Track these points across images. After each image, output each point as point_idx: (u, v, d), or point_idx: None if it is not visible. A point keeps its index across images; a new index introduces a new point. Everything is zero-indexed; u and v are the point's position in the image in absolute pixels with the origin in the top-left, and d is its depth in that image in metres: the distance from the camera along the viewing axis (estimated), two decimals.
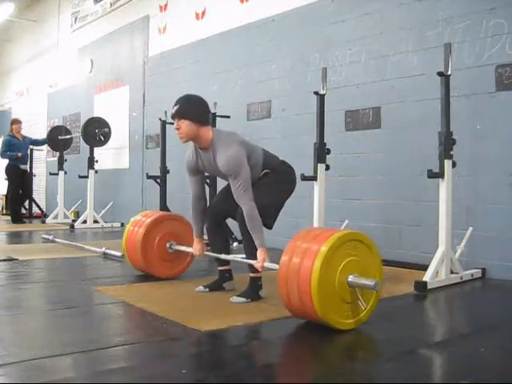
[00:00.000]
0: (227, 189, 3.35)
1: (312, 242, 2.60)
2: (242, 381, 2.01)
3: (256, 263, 3.09)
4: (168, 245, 3.86)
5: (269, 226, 3.24)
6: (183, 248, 3.84)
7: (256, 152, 3.27)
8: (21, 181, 8.90)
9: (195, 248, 3.53)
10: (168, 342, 2.45)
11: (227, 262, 3.48)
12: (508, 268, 3.95)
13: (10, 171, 8.82)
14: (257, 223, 3.06)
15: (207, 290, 3.42)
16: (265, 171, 3.29)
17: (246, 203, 3.07)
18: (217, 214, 3.43)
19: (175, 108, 3.14)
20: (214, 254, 3.46)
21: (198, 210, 3.44)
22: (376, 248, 2.73)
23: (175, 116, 3.14)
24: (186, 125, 3.12)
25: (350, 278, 2.55)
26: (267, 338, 2.71)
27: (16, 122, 9.01)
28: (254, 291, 3.21)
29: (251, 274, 3.25)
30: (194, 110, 3.16)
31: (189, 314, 2.88)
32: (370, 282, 2.52)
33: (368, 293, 2.63)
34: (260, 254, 3.07)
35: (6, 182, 9.17)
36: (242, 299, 3.15)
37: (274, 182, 3.28)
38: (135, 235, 3.89)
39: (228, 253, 3.48)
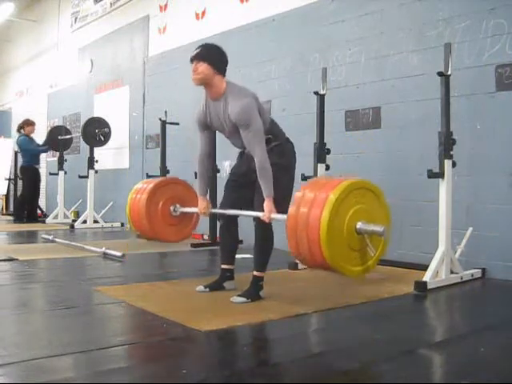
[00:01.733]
0: (236, 184, 3.38)
1: (320, 191, 2.61)
2: (243, 381, 2.01)
3: (263, 215, 3.06)
4: (172, 208, 3.84)
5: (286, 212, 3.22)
6: (188, 209, 3.81)
7: (266, 113, 3.30)
8: (36, 180, 9.00)
9: (200, 206, 3.50)
10: (168, 342, 2.44)
11: (231, 261, 3.47)
12: (508, 268, 3.95)
13: (27, 171, 8.88)
14: (268, 173, 3.05)
15: (207, 289, 3.41)
16: (267, 136, 3.21)
17: (258, 153, 3.07)
18: (231, 206, 3.39)
19: (196, 51, 3.19)
20: (220, 211, 3.43)
21: (204, 167, 3.43)
22: (383, 196, 2.75)
23: (195, 58, 3.17)
24: (203, 67, 3.14)
25: (359, 225, 2.56)
26: (268, 338, 2.72)
27: (31, 123, 9.06)
28: (254, 291, 3.20)
29: (254, 273, 3.25)
30: (214, 54, 3.21)
31: (189, 314, 2.87)
32: (378, 228, 2.54)
33: (376, 240, 2.64)
34: (267, 204, 3.04)
35: (21, 182, 9.33)
36: (243, 299, 3.14)
37: (284, 169, 3.22)
38: (138, 202, 3.85)
39: (235, 251, 3.48)
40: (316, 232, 2.49)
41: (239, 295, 3.18)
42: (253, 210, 3.25)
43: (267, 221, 3.07)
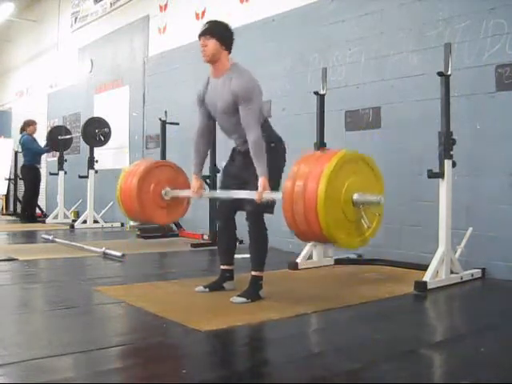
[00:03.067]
0: (229, 183, 3.37)
1: (315, 164, 2.61)
2: (243, 381, 2.01)
3: (256, 193, 3.06)
4: (164, 192, 3.82)
5: (272, 212, 3.20)
6: (179, 192, 3.78)
7: (264, 107, 3.32)
8: (37, 180, 9.04)
9: (194, 186, 3.48)
10: (168, 342, 2.45)
11: (230, 262, 3.47)
12: (508, 268, 3.95)
13: (29, 170, 8.89)
14: (261, 150, 3.06)
15: (207, 290, 3.41)
16: (271, 144, 3.19)
17: (254, 131, 3.08)
18: (227, 207, 3.40)
19: (204, 27, 3.22)
20: (213, 194, 3.43)
21: (201, 141, 3.45)
22: (377, 166, 2.76)
23: (204, 33, 3.20)
24: (212, 43, 3.17)
25: (356, 196, 2.56)
26: (267, 338, 2.72)
27: (33, 123, 9.11)
28: (254, 291, 3.20)
29: (253, 273, 3.25)
30: (221, 31, 3.25)
31: (189, 314, 2.87)
32: (375, 198, 2.54)
33: (371, 213, 2.65)
34: (262, 182, 3.02)
35: (21, 182, 9.33)
36: (243, 299, 3.14)
37: (274, 169, 3.16)
38: (129, 184, 3.82)
39: (234, 250, 3.48)
40: (313, 204, 2.50)
41: (239, 295, 3.18)
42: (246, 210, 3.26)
43: (259, 199, 3.03)
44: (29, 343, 2.42)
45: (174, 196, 3.79)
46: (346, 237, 2.55)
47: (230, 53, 3.28)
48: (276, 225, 3.30)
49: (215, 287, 3.43)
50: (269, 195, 3.03)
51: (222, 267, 3.48)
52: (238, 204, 3.31)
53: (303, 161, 2.70)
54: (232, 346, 2.54)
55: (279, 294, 3.34)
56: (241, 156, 3.31)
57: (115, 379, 1.95)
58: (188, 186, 3.49)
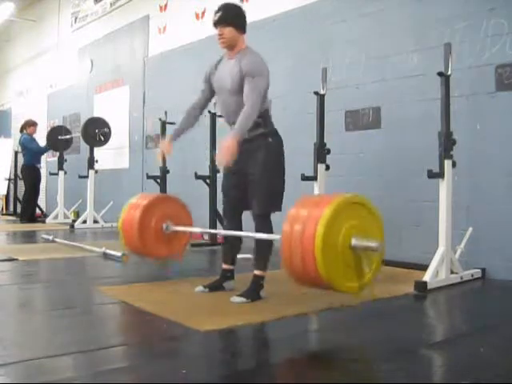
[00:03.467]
0: (230, 185, 3.38)
1: (313, 208, 2.60)
2: (243, 381, 2.01)
3: (217, 154, 3.12)
4: (165, 226, 3.85)
5: (280, 209, 3.25)
6: (180, 228, 3.83)
7: (267, 96, 3.35)
8: (37, 180, 9.06)
9: (161, 145, 3.55)
10: (168, 342, 2.45)
11: (232, 262, 3.48)
12: (508, 268, 3.95)
13: (29, 170, 8.90)
14: (249, 120, 3.07)
15: (207, 290, 3.41)
16: (259, 119, 3.19)
17: (253, 104, 3.09)
18: (233, 209, 3.41)
19: (218, 15, 3.21)
20: (224, 232, 3.48)
21: (191, 114, 3.53)
22: (376, 210, 2.74)
23: (218, 23, 3.20)
24: (228, 31, 3.20)
25: (354, 241, 2.55)
26: (268, 338, 2.72)
27: (34, 124, 9.13)
28: (254, 291, 3.20)
29: (256, 272, 3.25)
30: (235, 16, 3.26)
31: (189, 314, 2.87)
32: (373, 244, 2.53)
33: (371, 255, 2.63)
34: (228, 139, 3.00)
35: (22, 182, 9.33)
36: (242, 299, 3.14)
37: (278, 163, 3.25)
38: (132, 217, 3.86)
39: (237, 252, 3.49)
40: (311, 249, 2.48)
41: (238, 295, 3.18)
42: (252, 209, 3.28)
43: (219, 160, 3.12)
44: (29, 343, 2.42)
45: (174, 230, 3.85)
46: (344, 282, 2.55)
47: (245, 33, 3.31)
48: (275, 223, 3.29)
49: (215, 287, 3.43)
50: (266, 237, 3.09)
51: (224, 267, 3.49)
52: (245, 204, 3.32)
53: (301, 204, 2.71)
54: (232, 346, 2.54)
55: (278, 293, 3.33)
56: (245, 145, 3.13)
57: (115, 379, 1.95)
58: (191, 223, 3.66)
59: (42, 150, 9.19)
